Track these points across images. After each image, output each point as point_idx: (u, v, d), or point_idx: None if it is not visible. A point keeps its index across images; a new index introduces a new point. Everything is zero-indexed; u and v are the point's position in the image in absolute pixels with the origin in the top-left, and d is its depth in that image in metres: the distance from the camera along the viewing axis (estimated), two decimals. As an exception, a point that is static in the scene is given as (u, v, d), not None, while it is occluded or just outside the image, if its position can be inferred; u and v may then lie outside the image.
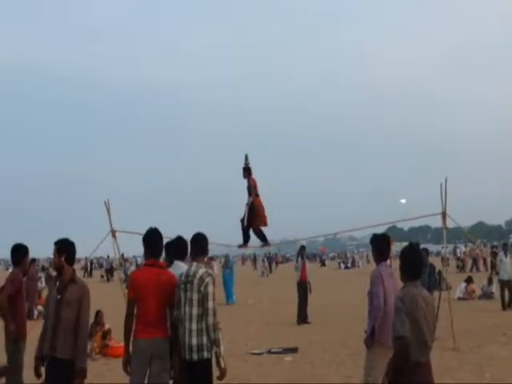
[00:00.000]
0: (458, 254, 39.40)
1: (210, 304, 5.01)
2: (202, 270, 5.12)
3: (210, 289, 5.04)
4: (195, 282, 5.06)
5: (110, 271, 39.57)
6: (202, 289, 5.02)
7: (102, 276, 40.54)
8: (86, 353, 5.37)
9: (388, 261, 6.32)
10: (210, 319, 4.98)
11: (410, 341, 4.28)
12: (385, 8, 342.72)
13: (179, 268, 5.57)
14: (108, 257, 40.70)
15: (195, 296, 5.04)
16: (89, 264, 46.16)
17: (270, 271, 46.16)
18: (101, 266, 44.60)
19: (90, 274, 44.30)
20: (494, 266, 30.96)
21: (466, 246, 39.55)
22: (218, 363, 5.07)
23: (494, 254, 32.47)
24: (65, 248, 5.42)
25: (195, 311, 5.03)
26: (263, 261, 47.17)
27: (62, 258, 5.36)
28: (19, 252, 6.71)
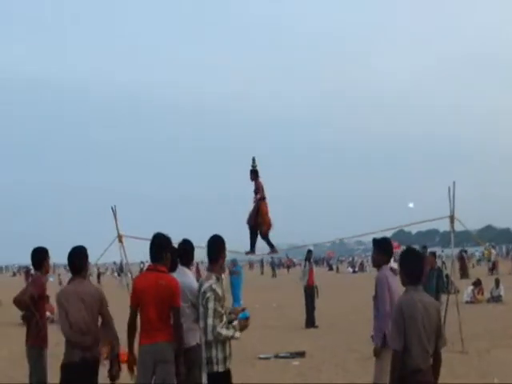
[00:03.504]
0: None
1: (209, 321, 4.88)
2: (206, 284, 5.00)
3: (210, 305, 4.90)
4: (200, 296, 5.02)
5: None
6: (204, 303, 4.95)
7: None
8: None
9: (392, 262, 6.22)
10: (210, 335, 4.87)
11: (409, 349, 4.28)
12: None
13: (184, 274, 5.51)
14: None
15: (201, 310, 4.99)
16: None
17: (275, 276, 45.91)
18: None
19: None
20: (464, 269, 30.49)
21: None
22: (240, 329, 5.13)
23: (463, 259, 32.04)
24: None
25: (202, 325, 4.98)
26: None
27: None
28: (39, 254, 6.45)
